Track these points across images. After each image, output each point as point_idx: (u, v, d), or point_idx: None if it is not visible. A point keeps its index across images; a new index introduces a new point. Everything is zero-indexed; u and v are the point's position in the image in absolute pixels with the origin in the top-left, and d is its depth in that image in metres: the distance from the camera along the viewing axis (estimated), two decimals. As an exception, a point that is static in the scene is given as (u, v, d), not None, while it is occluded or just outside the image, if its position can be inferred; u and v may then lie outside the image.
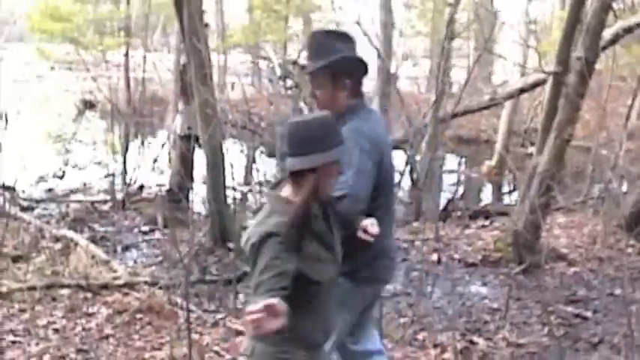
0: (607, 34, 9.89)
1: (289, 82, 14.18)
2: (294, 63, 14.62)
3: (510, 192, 15.46)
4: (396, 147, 13.66)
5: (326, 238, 3.36)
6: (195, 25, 8.57)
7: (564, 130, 8.13)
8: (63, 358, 5.74)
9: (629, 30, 10.30)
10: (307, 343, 3.41)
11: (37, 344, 6.00)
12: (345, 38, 4.03)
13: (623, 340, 6.58)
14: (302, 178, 3.25)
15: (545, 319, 6.72)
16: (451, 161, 19.43)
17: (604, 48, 9.94)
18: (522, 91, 13.06)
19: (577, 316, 7.37)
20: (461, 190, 15.79)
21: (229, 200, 9.20)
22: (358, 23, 11.17)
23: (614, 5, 10.15)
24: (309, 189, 3.23)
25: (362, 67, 4.00)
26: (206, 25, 9.73)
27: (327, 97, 3.93)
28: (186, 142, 10.26)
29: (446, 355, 6.10)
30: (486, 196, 15.75)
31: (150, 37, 19.07)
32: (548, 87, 9.62)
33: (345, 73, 3.95)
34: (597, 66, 8.76)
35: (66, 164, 14.48)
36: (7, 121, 18.94)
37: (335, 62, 3.91)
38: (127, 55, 18.31)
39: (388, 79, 10.21)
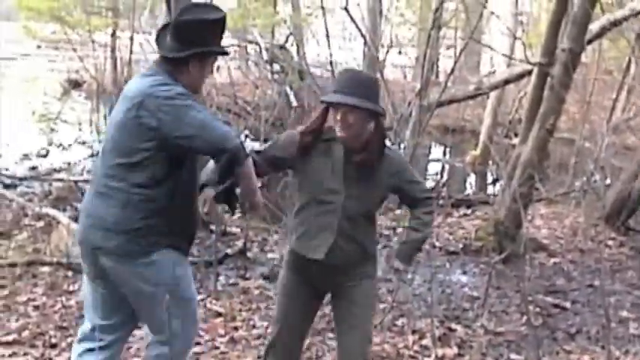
0: (594, 27, 9.94)
1: (276, 67, 14.20)
2: (282, 47, 14.64)
3: (494, 182, 15.51)
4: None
5: None
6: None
7: (548, 121, 8.17)
8: (42, 335, 5.74)
9: (615, 23, 10.34)
10: None
11: (17, 320, 6.01)
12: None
13: (602, 331, 6.66)
14: None
15: (524, 308, 6.76)
16: (436, 150, 19.48)
17: (590, 41, 9.98)
18: (507, 82, 13.10)
19: (556, 306, 7.44)
20: (444, 178, 15.86)
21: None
22: (346, 9, 11.16)
23: (602, -1, 10.20)
24: None
25: None
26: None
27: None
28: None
29: (424, 342, 6.14)
30: (470, 185, 15.80)
31: (137, 19, 18.95)
32: (533, 78, 9.65)
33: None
34: (584, 59, 8.82)
35: (50, 143, 14.43)
36: (-8, 98, 18.87)
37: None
38: (114, 35, 18.24)
39: (373, 65, 10.22)
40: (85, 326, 4.09)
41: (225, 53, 4.20)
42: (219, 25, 3.94)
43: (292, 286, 4.28)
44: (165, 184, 3.65)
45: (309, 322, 4.44)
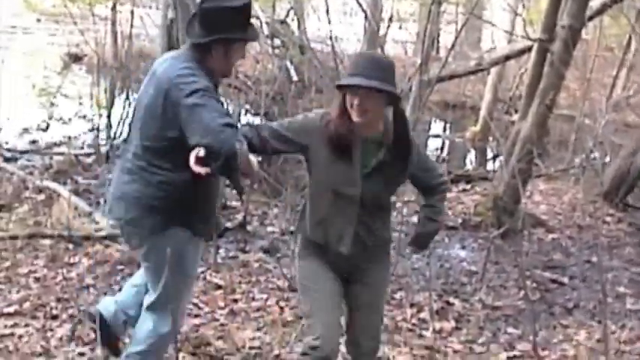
0: (594, 3, 9.92)
1: (276, 41, 14.18)
2: (283, 22, 14.62)
3: (494, 158, 15.52)
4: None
5: None
6: (183, -21, 8.53)
7: (547, 97, 8.19)
8: (43, 306, 5.79)
9: (616, 0, 10.33)
10: None
11: (18, 292, 6.05)
12: None
13: (598, 306, 6.71)
14: None
15: (522, 283, 6.81)
16: (436, 126, 19.47)
17: (591, 18, 9.97)
18: (508, 58, 13.07)
19: (553, 281, 7.50)
20: (444, 154, 15.86)
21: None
22: (347, -16, 11.14)
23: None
24: None
25: None
26: (194, -20, 9.69)
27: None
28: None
29: (422, 315, 6.20)
30: (469, 161, 15.81)
31: (138, -8, 18.91)
32: (533, 54, 9.65)
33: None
34: (585, 36, 8.80)
35: (50, 117, 14.41)
36: (-9, 72, 18.83)
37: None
38: (114, 8, 18.17)
39: (374, 40, 10.23)
40: None
41: (250, 39, 4.21)
42: (241, 11, 4.01)
43: (320, 273, 4.15)
44: (187, 170, 3.70)
45: (341, 307, 4.24)
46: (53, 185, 9.12)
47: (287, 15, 16.67)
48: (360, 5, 9.82)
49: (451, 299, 6.68)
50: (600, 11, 10.60)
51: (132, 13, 15.49)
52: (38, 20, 26.81)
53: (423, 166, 4.16)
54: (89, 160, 11.17)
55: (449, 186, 4.20)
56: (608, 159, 11.86)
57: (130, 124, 4.34)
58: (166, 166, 3.99)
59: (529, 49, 10.52)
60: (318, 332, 3.98)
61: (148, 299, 4.37)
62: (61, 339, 5.28)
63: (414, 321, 6.10)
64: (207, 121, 3.66)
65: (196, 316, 5.85)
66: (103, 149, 11.54)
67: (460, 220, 9.11)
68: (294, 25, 16.72)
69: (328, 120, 3.96)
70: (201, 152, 3.57)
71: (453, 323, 6.17)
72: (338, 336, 4.13)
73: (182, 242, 4.14)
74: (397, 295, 6.58)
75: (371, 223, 4.03)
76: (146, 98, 4.02)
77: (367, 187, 3.93)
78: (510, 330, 6.20)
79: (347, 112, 3.86)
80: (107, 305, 4.66)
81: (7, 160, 10.78)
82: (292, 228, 8.14)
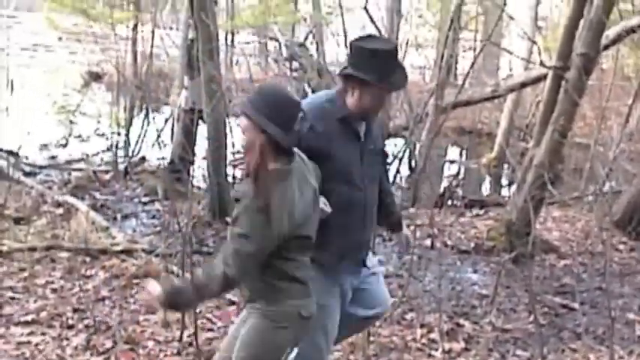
0: (611, 32, 10.00)
1: (295, 64, 14.30)
2: (301, 45, 14.75)
3: (508, 185, 15.56)
4: (396, 134, 13.82)
5: None
6: (204, 0, 8.68)
7: (561, 125, 8.25)
8: (60, 316, 5.90)
9: (632, 30, 10.40)
10: None
11: (35, 302, 6.17)
12: None
13: (608, 332, 6.74)
14: None
15: (532, 307, 6.85)
16: (452, 152, 19.54)
17: (607, 47, 10.04)
18: (524, 85, 13.15)
19: (564, 306, 7.51)
20: (459, 179, 15.92)
21: (229, 176, 9.30)
22: (365, 9, 11.26)
23: (621, 5, 10.25)
24: None
25: None
26: (215, 1, 9.84)
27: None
28: (190, 116, 10.35)
29: (432, 335, 6.25)
30: (484, 187, 15.86)
31: (159, 13, 19.13)
32: (548, 82, 9.72)
33: None
34: (603, 65, 8.86)
35: (69, 134, 14.59)
36: (13, 88, 19.06)
37: None
38: (135, 28, 18.41)
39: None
40: None
41: (383, 87, 3.98)
42: (378, 55, 3.92)
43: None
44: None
45: None
46: (71, 200, 9.26)
47: (306, 38, 16.82)
48: (379, 30, 9.96)
49: (461, 321, 6.73)
50: (616, 40, 10.67)
51: (152, 33, 15.68)
52: (60, 39, 27.06)
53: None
54: (107, 176, 11.30)
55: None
56: (621, 187, 11.87)
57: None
58: None
59: (545, 76, 10.59)
60: None
61: None
62: (76, 348, 5.38)
63: (423, 341, 6.15)
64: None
65: (209, 330, 5.95)
66: (121, 166, 11.67)
67: (473, 245, 9.14)
68: (312, 49, 16.87)
69: None
70: None
71: (462, 344, 6.22)
72: None
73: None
74: (408, 316, 6.63)
75: None
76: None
77: None
78: (519, 352, 6.24)
79: None
80: None
81: (26, 174, 10.95)
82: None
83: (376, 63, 3.90)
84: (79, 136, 14.73)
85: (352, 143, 4.06)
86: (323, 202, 3.87)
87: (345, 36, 11.38)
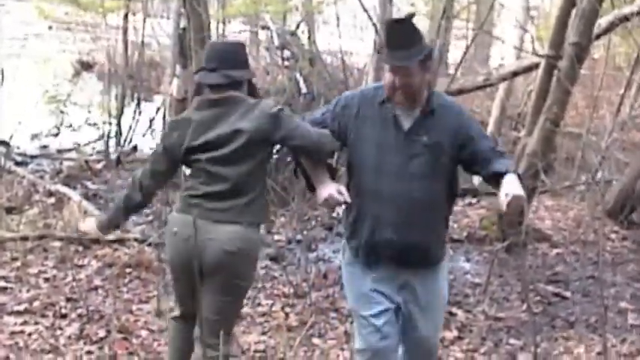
0: (603, 21, 9.99)
1: (286, 53, 14.22)
2: (293, 34, 14.67)
3: (500, 174, 15.54)
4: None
5: None
6: (195, -11, 8.66)
7: (553, 114, 8.25)
8: (53, 305, 5.89)
9: (624, 19, 10.38)
10: None
11: (28, 291, 6.16)
12: None
13: (600, 320, 6.76)
14: None
15: (525, 295, 6.87)
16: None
17: (599, 36, 10.02)
18: (516, 74, 13.10)
19: (556, 295, 7.53)
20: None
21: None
22: (358, -2, 11.21)
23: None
24: None
25: None
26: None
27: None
28: (182, 105, 10.31)
29: (425, 324, 6.25)
30: (476, 176, 15.82)
31: (150, 2, 19.03)
32: (540, 71, 9.72)
33: None
34: (594, 55, 8.85)
35: (61, 124, 14.52)
36: (3, 77, 18.95)
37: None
38: (126, 17, 18.31)
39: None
40: None
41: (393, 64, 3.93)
42: (387, 28, 4.06)
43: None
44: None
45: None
46: (63, 189, 9.23)
47: (297, 27, 16.74)
48: (371, 19, 9.93)
49: (454, 309, 6.73)
50: (608, 29, 10.65)
51: (144, 21, 15.62)
52: (50, 28, 26.94)
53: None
54: (99, 165, 11.27)
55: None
56: (613, 177, 11.88)
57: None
58: None
59: (537, 65, 10.58)
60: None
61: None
62: (69, 337, 5.38)
63: (416, 329, 6.15)
64: None
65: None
66: (113, 156, 11.63)
67: (465, 234, 9.15)
68: (304, 38, 16.82)
69: None
70: None
71: (455, 333, 6.23)
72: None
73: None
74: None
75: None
76: None
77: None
78: (512, 341, 6.25)
79: None
80: None
81: (18, 164, 10.90)
82: (299, 237, 8.27)
83: (386, 37, 3.91)
84: (70, 126, 14.65)
85: (390, 131, 3.95)
86: (337, 189, 3.89)
87: (338, 25, 11.34)
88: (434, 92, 4.05)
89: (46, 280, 6.46)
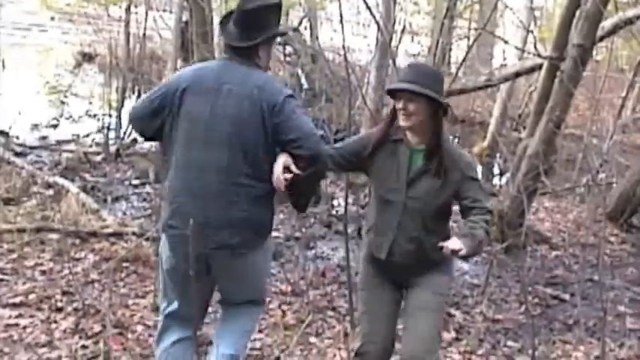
0: (607, 24, 9.94)
1: (288, 49, 14.19)
2: (295, 30, 14.64)
3: (500, 174, 15.53)
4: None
5: None
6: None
7: (555, 115, 8.22)
8: (48, 299, 5.85)
9: (628, 22, 10.33)
10: None
11: (24, 284, 6.12)
12: None
13: (598, 324, 6.74)
14: None
15: (523, 297, 6.85)
16: (444, 140, 19.45)
17: (602, 38, 9.98)
18: (518, 74, 13.05)
19: (555, 297, 7.53)
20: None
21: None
22: (362, -5, 11.15)
23: (617, -4, 10.19)
24: None
25: None
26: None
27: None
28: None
29: (423, 324, 6.22)
30: (476, 176, 15.78)
31: (152, -5, 18.99)
32: (543, 72, 9.67)
33: None
34: (597, 57, 8.80)
35: (61, 115, 14.47)
36: (4, 67, 18.92)
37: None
38: (128, 9, 18.28)
39: (386, 52, 10.27)
40: None
41: (285, 33, 4.25)
42: (279, 7, 4.09)
43: (371, 280, 4.34)
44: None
45: (394, 314, 4.37)
46: (62, 181, 9.20)
47: (300, 23, 16.71)
48: (374, 16, 9.88)
49: (452, 310, 6.71)
50: (612, 32, 10.59)
51: (146, 14, 15.56)
52: (52, 18, 26.89)
53: (466, 192, 4.04)
54: (98, 158, 11.22)
55: (489, 220, 3.92)
56: (614, 179, 11.86)
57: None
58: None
59: (539, 66, 10.54)
60: (361, 340, 4.30)
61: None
62: (65, 331, 5.35)
63: (414, 330, 6.12)
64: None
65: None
66: (112, 148, 11.59)
67: (464, 234, 9.11)
68: (306, 34, 16.79)
69: (379, 126, 4.19)
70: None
71: (453, 334, 6.21)
72: (385, 343, 4.29)
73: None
74: (399, 304, 6.61)
75: (414, 232, 4.07)
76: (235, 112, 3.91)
77: (411, 195, 4.03)
78: (510, 343, 6.24)
79: (396, 118, 4.06)
80: None
81: (17, 154, 10.85)
82: (297, 234, 8.24)
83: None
84: (70, 117, 14.61)
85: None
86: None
87: (341, 21, 11.28)
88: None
89: (43, 272, 6.43)
